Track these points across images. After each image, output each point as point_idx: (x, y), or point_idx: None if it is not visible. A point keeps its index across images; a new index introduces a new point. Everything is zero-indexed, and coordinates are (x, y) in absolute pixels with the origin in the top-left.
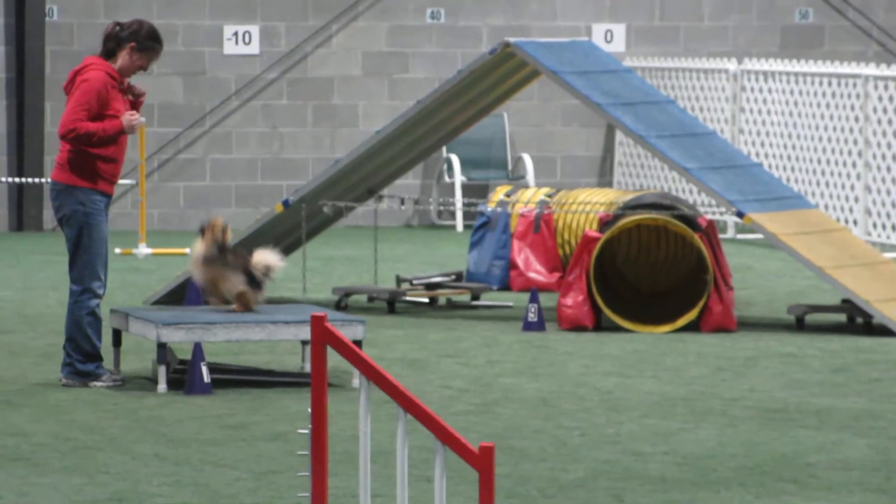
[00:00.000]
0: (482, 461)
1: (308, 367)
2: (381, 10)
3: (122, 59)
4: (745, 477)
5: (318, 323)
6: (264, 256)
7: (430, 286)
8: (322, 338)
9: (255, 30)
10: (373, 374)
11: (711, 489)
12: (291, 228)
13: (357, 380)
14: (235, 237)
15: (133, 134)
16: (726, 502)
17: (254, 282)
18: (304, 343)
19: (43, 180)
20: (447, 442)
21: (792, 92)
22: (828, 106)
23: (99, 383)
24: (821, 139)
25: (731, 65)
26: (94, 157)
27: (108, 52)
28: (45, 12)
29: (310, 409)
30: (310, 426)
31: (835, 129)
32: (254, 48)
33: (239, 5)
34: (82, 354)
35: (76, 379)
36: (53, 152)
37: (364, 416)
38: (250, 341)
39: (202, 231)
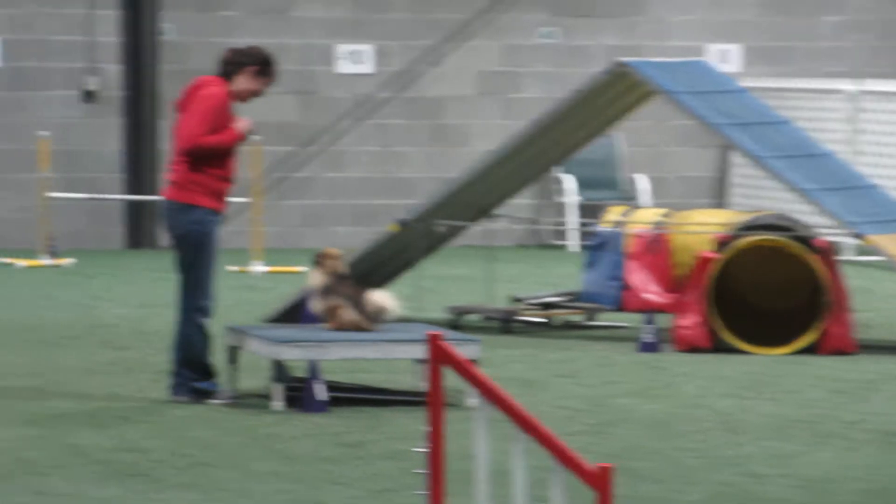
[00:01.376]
0: (600, 482)
1: (423, 386)
2: (495, 29)
3: (241, 82)
4: (867, 501)
5: (434, 341)
6: (380, 297)
7: (545, 306)
8: (438, 356)
9: (368, 49)
10: (489, 393)
11: None
12: (405, 247)
13: (472, 399)
14: (350, 256)
15: (246, 140)
16: None
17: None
18: (418, 362)
19: (157, 198)
20: (565, 462)
21: None
22: None
23: (214, 401)
24: None
25: (848, 85)
26: (210, 175)
27: (226, 75)
28: (160, 31)
29: (426, 428)
30: (426, 445)
31: None
32: (367, 67)
33: (352, 24)
34: (198, 372)
35: (191, 396)
36: (167, 170)
37: (480, 436)
38: (365, 359)
39: (317, 261)
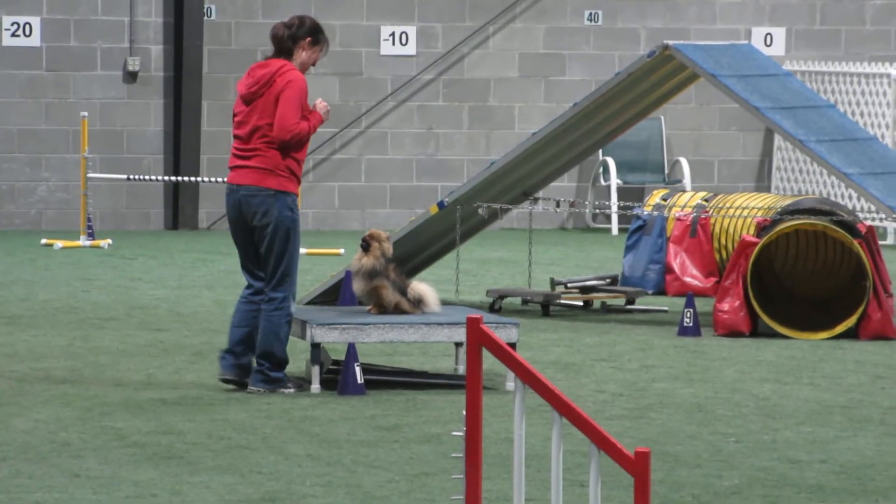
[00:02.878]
0: (638, 466)
1: (461, 369)
2: (539, 11)
3: (301, 56)
4: None
5: (473, 325)
6: (422, 288)
7: (585, 289)
8: (478, 340)
9: (412, 30)
10: (528, 377)
11: (870, 498)
12: (446, 230)
13: (511, 382)
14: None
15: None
16: None
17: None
18: (457, 345)
19: (199, 179)
20: (603, 446)
21: None
22: None
23: (287, 390)
24: None
25: (894, 69)
26: (295, 161)
27: (287, 52)
28: (204, 12)
29: (464, 412)
30: (464, 428)
31: None
32: (410, 49)
33: (396, 6)
34: (276, 362)
35: (266, 386)
36: (209, 151)
37: (519, 420)
38: (403, 343)
39: (366, 244)
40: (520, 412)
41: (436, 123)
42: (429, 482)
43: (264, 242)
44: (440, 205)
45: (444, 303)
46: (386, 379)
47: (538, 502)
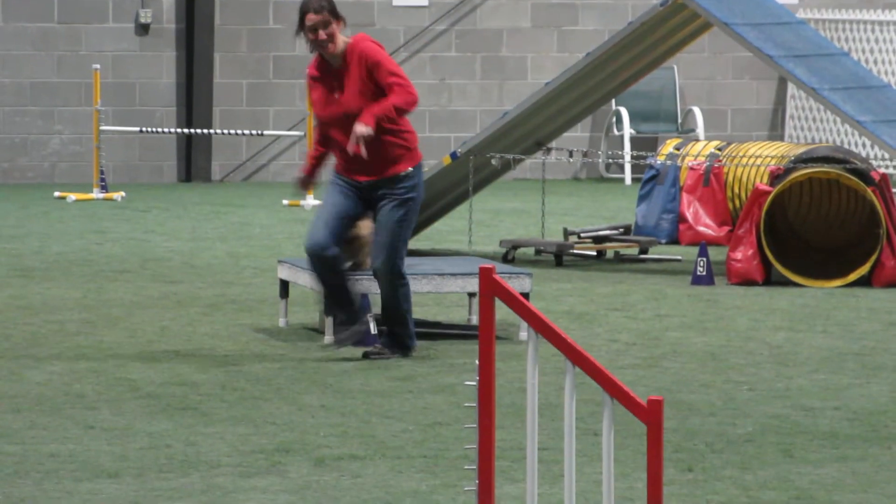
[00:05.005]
0: (651, 415)
1: (475, 320)
2: None
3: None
4: None
5: (486, 275)
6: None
7: (598, 239)
8: (490, 290)
9: None
10: (541, 327)
11: (883, 445)
12: (459, 181)
13: (524, 332)
14: None
15: None
16: None
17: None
18: (470, 295)
19: (211, 131)
20: (615, 395)
21: None
22: None
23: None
24: None
25: None
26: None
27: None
28: None
29: (477, 362)
30: (477, 378)
31: None
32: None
33: None
34: (406, 327)
35: (402, 351)
36: (222, 103)
37: (532, 369)
38: (417, 293)
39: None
40: (533, 361)
41: (448, 74)
42: (442, 432)
43: (402, 215)
44: (453, 156)
45: (458, 253)
46: None
47: (552, 451)
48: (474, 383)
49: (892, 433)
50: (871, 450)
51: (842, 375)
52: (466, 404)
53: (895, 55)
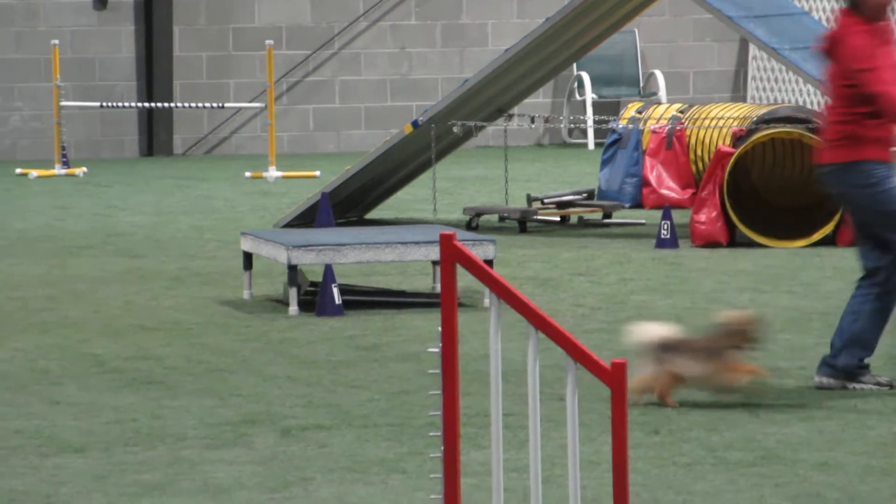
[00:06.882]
0: (615, 378)
1: (438, 288)
2: None
3: None
4: (887, 392)
5: (447, 241)
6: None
7: (562, 205)
8: (451, 256)
9: None
10: (503, 292)
11: (849, 404)
12: (421, 149)
13: (488, 300)
14: (364, 160)
15: None
16: (866, 416)
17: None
18: (434, 263)
19: (172, 105)
20: (579, 359)
21: None
22: None
23: (859, 385)
24: None
25: None
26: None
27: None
28: None
29: (440, 328)
30: (440, 345)
31: None
32: None
33: None
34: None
35: (841, 378)
36: (182, 77)
37: (494, 335)
38: (381, 262)
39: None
40: (495, 327)
41: (409, 43)
42: (408, 400)
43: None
44: (414, 124)
45: (422, 222)
46: (364, 299)
47: (516, 417)
48: (437, 350)
49: (857, 392)
50: (836, 409)
51: (807, 335)
52: (431, 371)
53: None
